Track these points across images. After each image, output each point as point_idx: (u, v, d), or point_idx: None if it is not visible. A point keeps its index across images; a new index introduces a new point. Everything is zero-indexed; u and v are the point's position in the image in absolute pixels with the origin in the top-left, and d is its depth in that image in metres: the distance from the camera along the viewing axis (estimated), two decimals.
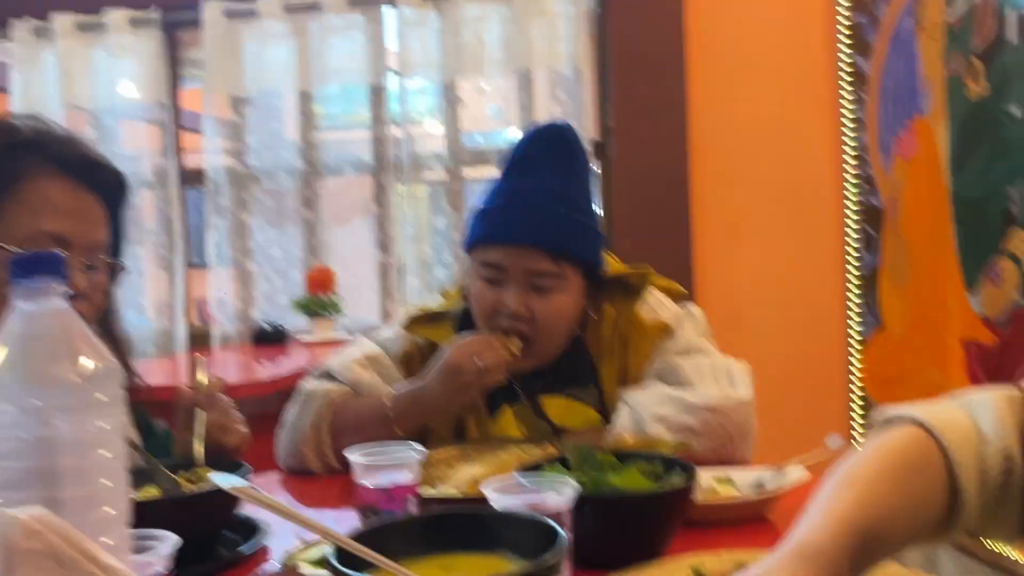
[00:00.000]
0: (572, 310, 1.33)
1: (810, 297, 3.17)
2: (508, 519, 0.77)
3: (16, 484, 0.55)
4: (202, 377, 1.15)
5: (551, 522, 0.73)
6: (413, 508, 0.96)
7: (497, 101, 3.44)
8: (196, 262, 3.77)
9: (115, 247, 1.16)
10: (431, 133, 3.69)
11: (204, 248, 3.60)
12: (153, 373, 3.04)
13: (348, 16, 3.38)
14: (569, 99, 3.27)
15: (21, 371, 0.55)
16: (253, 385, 2.61)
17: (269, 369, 2.93)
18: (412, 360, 1.42)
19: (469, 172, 3.41)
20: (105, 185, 1.12)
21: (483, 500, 0.81)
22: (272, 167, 3.50)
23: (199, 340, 3.60)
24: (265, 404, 2.52)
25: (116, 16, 3.46)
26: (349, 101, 3.74)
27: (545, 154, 1.33)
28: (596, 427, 1.33)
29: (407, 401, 1.29)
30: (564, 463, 0.96)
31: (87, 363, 0.58)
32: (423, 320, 1.44)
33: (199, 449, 1.10)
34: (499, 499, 0.79)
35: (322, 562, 0.81)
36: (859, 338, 3.03)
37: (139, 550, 0.67)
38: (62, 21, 3.48)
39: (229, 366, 3.09)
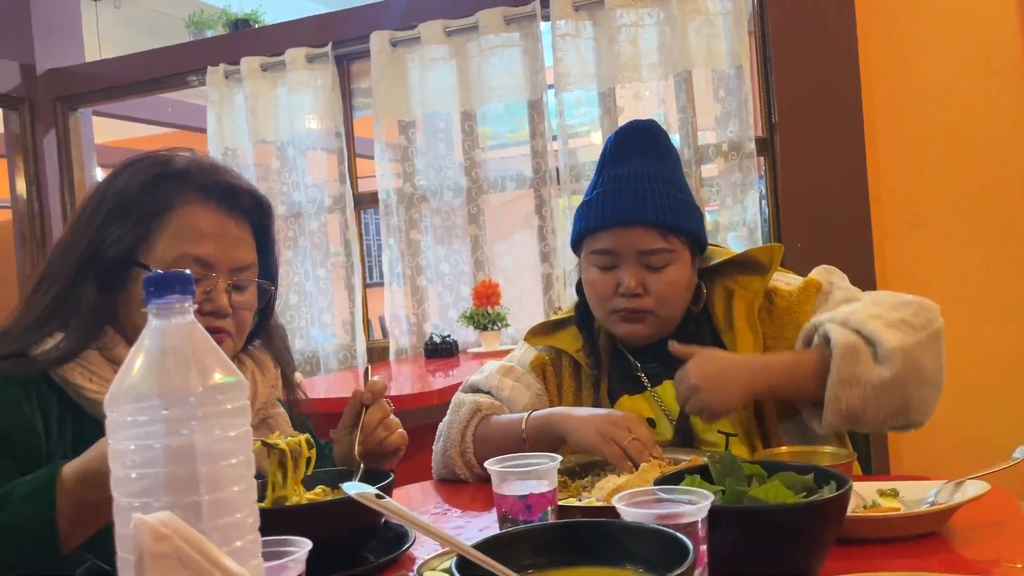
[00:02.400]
0: (685, 283, 1.36)
1: (1009, 295, 2.87)
2: (637, 531, 0.74)
3: (151, 490, 0.59)
4: (372, 379, 1.19)
5: (679, 535, 0.69)
6: (552, 518, 0.95)
7: (656, 105, 3.38)
8: (374, 281, 3.98)
9: (265, 269, 1.22)
10: (591, 143, 3.69)
11: (380, 267, 3.78)
12: (336, 386, 3.22)
13: (505, 35, 3.45)
14: (731, 97, 3.16)
15: (153, 383, 0.59)
16: (425, 395, 2.69)
17: (439, 380, 3.01)
18: (544, 367, 1.48)
19: None
20: (248, 209, 1.17)
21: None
22: (439, 187, 3.62)
23: (377, 354, 3.78)
24: (435, 414, 2.61)
25: (295, 54, 3.72)
26: (509, 118, 3.81)
27: (635, 145, 1.38)
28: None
29: (542, 426, 1.31)
30: (707, 475, 0.92)
31: (214, 375, 0.62)
32: (543, 330, 1.50)
33: (359, 445, 1.14)
34: (628, 511, 0.77)
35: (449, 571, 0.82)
36: None
37: (274, 556, 0.71)
38: (249, 63, 3.79)
39: (403, 378, 3.22)
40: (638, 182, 1.33)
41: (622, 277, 1.33)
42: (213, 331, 1.10)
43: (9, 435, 0.98)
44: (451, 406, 1.45)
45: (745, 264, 1.39)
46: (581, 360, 1.44)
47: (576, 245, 1.42)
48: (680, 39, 3.16)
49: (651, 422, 1.37)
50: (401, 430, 1.22)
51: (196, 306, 1.10)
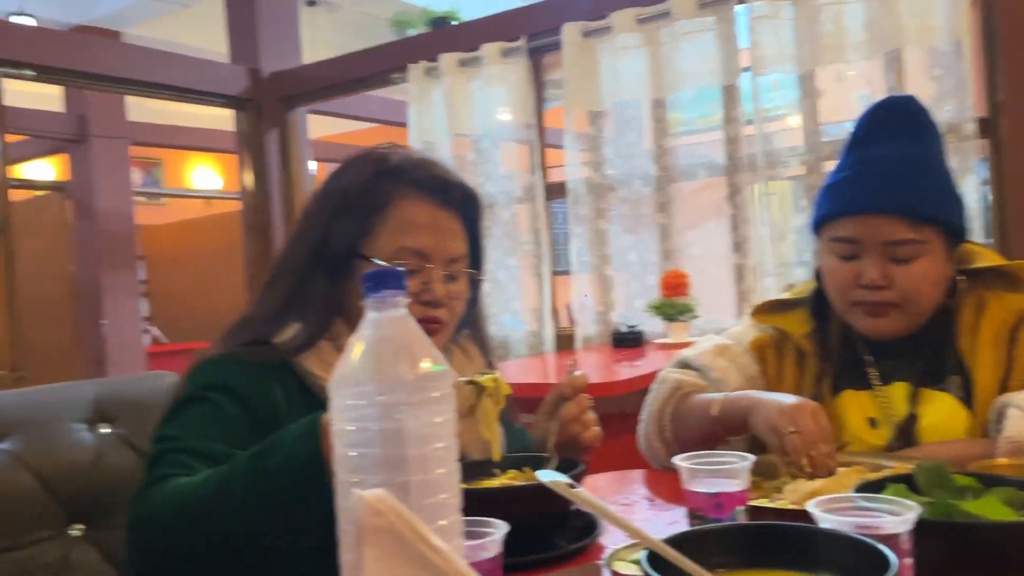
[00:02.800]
0: (936, 277, 1.24)
1: None
2: (834, 539, 0.72)
3: (367, 468, 0.64)
4: (573, 372, 1.21)
5: (881, 547, 0.67)
6: (742, 518, 0.94)
7: (862, 86, 3.18)
8: (561, 269, 4.04)
9: (475, 259, 1.26)
10: (789, 128, 3.54)
11: (568, 256, 3.83)
12: (524, 371, 3.31)
13: (699, 20, 3.38)
14: (948, 75, 2.92)
15: (369, 371, 0.65)
16: (611, 385, 2.71)
17: (626, 371, 3.02)
18: (764, 348, 1.40)
19: (830, 165, 3.20)
20: (460, 202, 1.22)
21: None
22: (627, 176, 3.61)
23: (564, 342, 3.84)
24: (621, 404, 2.61)
25: (490, 49, 3.83)
26: (702, 104, 3.72)
27: (890, 123, 1.27)
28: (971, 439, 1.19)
29: (733, 408, 1.27)
30: (912, 484, 0.87)
31: (424, 365, 0.67)
32: (770, 308, 1.41)
33: (553, 435, 1.17)
34: (824, 517, 0.75)
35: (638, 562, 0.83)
36: None
37: (473, 536, 0.75)
38: (448, 60, 3.94)
39: (589, 367, 3.25)
40: (888, 166, 1.23)
41: (864, 268, 1.23)
42: (429, 321, 1.16)
43: (257, 412, 1.08)
44: (656, 381, 1.43)
45: (1008, 275, 1.26)
46: (806, 348, 1.36)
47: (816, 229, 1.33)
48: (890, 15, 2.95)
49: (872, 422, 1.29)
50: (596, 428, 1.21)
51: (412, 297, 1.14)
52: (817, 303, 1.35)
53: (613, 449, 1.49)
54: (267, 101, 4.63)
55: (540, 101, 3.92)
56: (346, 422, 0.66)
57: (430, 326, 1.16)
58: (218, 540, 0.93)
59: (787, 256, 3.28)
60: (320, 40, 5.72)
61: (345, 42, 5.12)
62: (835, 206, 1.26)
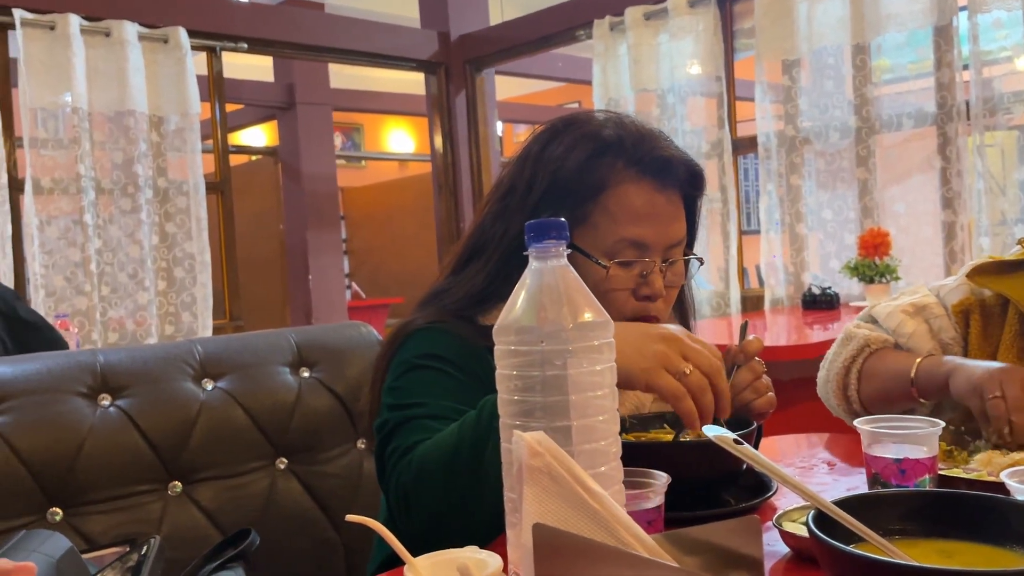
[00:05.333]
0: None
1: None
2: None
3: (528, 413, 0.66)
4: (744, 338, 1.16)
5: None
6: (929, 487, 0.89)
7: None
8: (750, 228, 3.90)
9: (690, 238, 1.18)
10: (1013, 71, 3.18)
11: (757, 214, 3.69)
12: (707, 333, 3.24)
13: None
14: None
15: (532, 318, 0.66)
16: (801, 348, 2.61)
17: (817, 334, 2.88)
18: (971, 312, 1.26)
19: None
20: (682, 181, 1.12)
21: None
22: (824, 128, 3.41)
23: (752, 303, 3.71)
24: (811, 368, 2.50)
25: (677, 0, 3.72)
26: (911, 47, 3.43)
27: None
28: None
29: (933, 370, 1.17)
30: None
31: (584, 314, 0.67)
32: (991, 269, 1.24)
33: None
34: (1019, 488, 0.69)
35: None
36: None
37: (635, 485, 0.76)
38: (633, 13, 3.87)
39: (778, 329, 3.13)
40: None
41: None
42: (644, 319, 1.08)
43: (476, 379, 1.04)
44: (841, 337, 1.34)
45: None
46: None
47: None
48: None
49: None
50: (770, 394, 1.14)
51: (628, 292, 1.08)
52: None
53: (801, 414, 1.45)
54: (455, 64, 4.76)
55: (729, 52, 3.77)
56: (509, 368, 0.68)
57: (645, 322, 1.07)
58: (477, 476, 0.91)
59: (1008, 213, 2.98)
60: (508, 0, 5.78)
61: (531, 0, 5.14)
62: None
